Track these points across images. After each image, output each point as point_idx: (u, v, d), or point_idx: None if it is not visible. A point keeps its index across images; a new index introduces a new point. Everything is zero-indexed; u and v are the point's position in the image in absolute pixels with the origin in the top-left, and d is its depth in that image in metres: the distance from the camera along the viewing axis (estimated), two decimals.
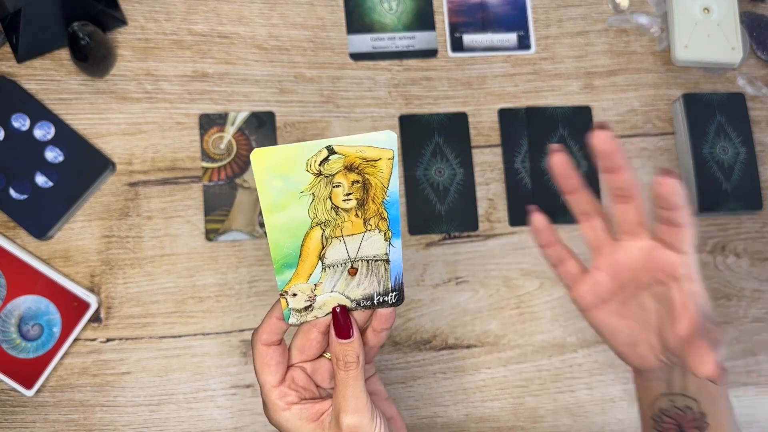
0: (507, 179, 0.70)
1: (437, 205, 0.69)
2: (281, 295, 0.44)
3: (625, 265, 0.48)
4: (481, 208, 0.69)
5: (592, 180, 0.70)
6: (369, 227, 0.43)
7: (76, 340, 0.64)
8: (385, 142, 0.40)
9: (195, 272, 0.66)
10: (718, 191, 0.70)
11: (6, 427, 0.63)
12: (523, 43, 0.72)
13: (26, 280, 0.63)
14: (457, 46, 0.72)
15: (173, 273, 0.66)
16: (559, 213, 0.70)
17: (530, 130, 0.70)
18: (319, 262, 0.43)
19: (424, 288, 0.68)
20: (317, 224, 0.42)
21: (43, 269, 0.63)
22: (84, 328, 0.64)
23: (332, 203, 0.42)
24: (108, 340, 0.65)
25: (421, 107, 0.70)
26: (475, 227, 0.69)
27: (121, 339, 0.65)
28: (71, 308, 0.63)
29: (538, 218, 0.51)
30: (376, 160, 0.41)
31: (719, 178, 0.70)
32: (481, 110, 0.71)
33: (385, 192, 0.42)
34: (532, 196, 0.69)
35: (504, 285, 0.68)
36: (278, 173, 0.40)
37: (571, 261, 0.51)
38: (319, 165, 0.40)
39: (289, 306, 0.44)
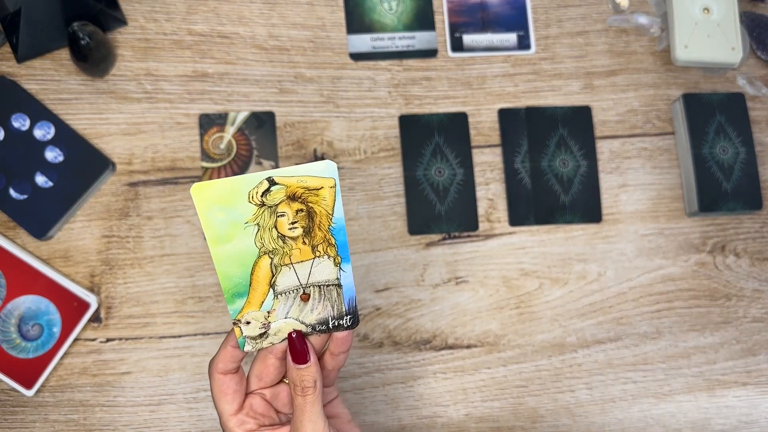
0: (507, 179, 0.70)
1: (437, 205, 0.69)
2: (234, 324, 0.44)
3: None
4: (481, 208, 0.69)
5: (591, 180, 0.70)
6: (318, 254, 0.43)
7: (76, 340, 0.64)
8: (325, 172, 0.41)
9: (195, 272, 0.66)
10: (718, 191, 0.70)
11: (6, 427, 0.63)
12: (523, 43, 0.72)
13: (26, 280, 0.63)
14: (457, 46, 0.72)
15: (173, 273, 0.66)
16: (559, 213, 0.70)
17: (530, 130, 0.70)
18: (271, 290, 0.44)
19: (424, 288, 0.68)
20: (265, 253, 0.43)
21: (43, 269, 0.63)
22: (84, 328, 0.64)
23: (278, 232, 0.42)
24: (108, 340, 0.65)
25: (421, 107, 0.70)
26: (475, 227, 0.69)
27: (121, 339, 0.65)
28: (71, 308, 0.63)
29: None
30: (318, 189, 0.42)
31: (719, 178, 0.70)
32: (481, 110, 0.71)
33: (331, 219, 0.42)
34: (532, 196, 0.69)
35: (504, 285, 0.68)
36: (220, 205, 0.41)
37: None
38: (261, 196, 0.41)
39: (243, 334, 0.44)
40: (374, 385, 0.66)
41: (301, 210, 0.42)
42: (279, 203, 0.42)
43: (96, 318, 0.65)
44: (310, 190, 0.42)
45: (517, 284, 0.69)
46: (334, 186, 0.42)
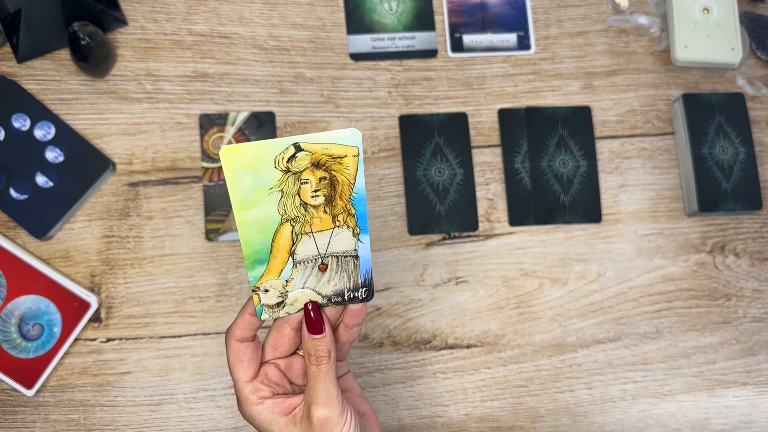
0: (507, 179, 0.70)
1: (437, 205, 0.69)
2: (253, 291, 0.44)
3: None
4: (481, 208, 0.69)
5: (591, 180, 0.70)
6: (338, 223, 0.44)
7: (76, 340, 0.64)
8: (350, 140, 0.41)
9: (195, 272, 0.66)
10: (718, 191, 0.70)
11: (6, 427, 0.63)
12: (523, 44, 0.72)
13: (27, 280, 0.63)
14: (457, 46, 0.72)
15: (173, 273, 0.66)
16: (559, 213, 0.70)
17: (530, 130, 0.70)
18: (290, 258, 0.44)
19: (424, 288, 0.68)
20: (287, 220, 0.43)
21: (44, 269, 0.63)
22: (84, 328, 0.64)
23: (301, 200, 0.43)
24: (108, 340, 0.65)
25: (421, 107, 0.70)
26: (475, 227, 0.69)
27: (121, 339, 0.65)
28: (71, 308, 0.63)
29: None
30: (342, 157, 0.42)
31: (719, 178, 0.70)
32: (481, 110, 0.71)
33: (352, 189, 0.43)
34: (532, 196, 0.70)
35: (504, 285, 0.69)
36: (248, 170, 0.41)
37: None
38: (287, 162, 0.41)
39: (261, 302, 0.45)
40: (374, 385, 0.66)
41: (324, 178, 0.42)
42: (303, 170, 0.42)
43: (96, 318, 0.65)
44: (334, 158, 0.42)
45: (517, 284, 0.69)
46: (358, 155, 0.42)
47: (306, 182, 0.42)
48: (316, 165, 0.42)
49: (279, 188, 0.42)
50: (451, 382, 0.67)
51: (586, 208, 0.70)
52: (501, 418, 0.67)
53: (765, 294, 0.71)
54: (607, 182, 0.71)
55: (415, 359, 0.67)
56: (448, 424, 0.67)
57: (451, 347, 0.67)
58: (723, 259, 0.71)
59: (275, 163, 0.41)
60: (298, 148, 0.41)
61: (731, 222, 0.71)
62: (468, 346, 0.68)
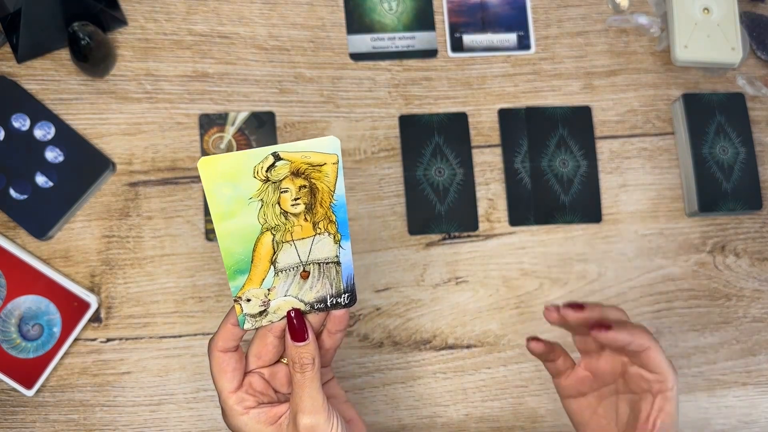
0: (507, 179, 0.70)
1: (437, 205, 0.69)
2: (235, 301, 0.44)
3: (606, 371, 0.51)
4: (481, 208, 0.69)
5: (591, 180, 0.70)
6: (318, 230, 0.44)
7: (76, 340, 0.64)
8: (329, 147, 0.41)
9: (195, 272, 0.66)
10: (718, 191, 0.70)
11: (6, 427, 0.63)
12: (523, 43, 0.72)
13: (26, 280, 0.63)
14: (457, 46, 0.72)
15: (173, 273, 0.66)
16: (559, 213, 0.70)
17: (530, 130, 0.70)
18: (272, 267, 0.44)
19: (424, 288, 0.68)
20: (267, 229, 0.43)
21: (44, 269, 0.63)
22: (84, 328, 0.64)
23: (281, 208, 0.43)
24: (108, 340, 0.65)
25: (421, 107, 0.70)
26: (475, 227, 0.69)
27: (121, 339, 0.65)
28: (71, 308, 0.63)
29: (534, 345, 0.53)
30: (321, 165, 0.42)
31: (719, 178, 0.70)
32: (481, 110, 0.71)
33: (332, 196, 0.43)
34: (532, 196, 0.69)
35: (504, 285, 0.68)
36: (226, 181, 0.41)
37: (561, 359, 0.54)
38: (266, 171, 0.41)
39: (244, 312, 0.45)
40: (374, 385, 0.66)
41: (304, 186, 0.42)
42: (283, 179, 0.42)
43: (96, 318, 0.65)
44: (313, 166, 0.42)
45: (517, 284, 0.69)
46: (337, 162, 0.42)
47: (286, 191, 0.42)
48: (296, 173, 0.42)
49: (259, 198, 0.42)
50: (451, 382, 0.67)
51: (586, 208, 0.70)
52: (501, 418, 0.67)
53: (765, 294, 0.70)
54: (607, 182, 0.71)
55: (415, 359, 0.67)
56: (448, 424, 0.67)
57: (451, 347, 0.67)
58: (723, 259, 0.71)
59: (254, 172, 0.41)
60: (277, 157, 0.41)
61: (731, 222, 0.71)
62: (468, 346, 0.68)
